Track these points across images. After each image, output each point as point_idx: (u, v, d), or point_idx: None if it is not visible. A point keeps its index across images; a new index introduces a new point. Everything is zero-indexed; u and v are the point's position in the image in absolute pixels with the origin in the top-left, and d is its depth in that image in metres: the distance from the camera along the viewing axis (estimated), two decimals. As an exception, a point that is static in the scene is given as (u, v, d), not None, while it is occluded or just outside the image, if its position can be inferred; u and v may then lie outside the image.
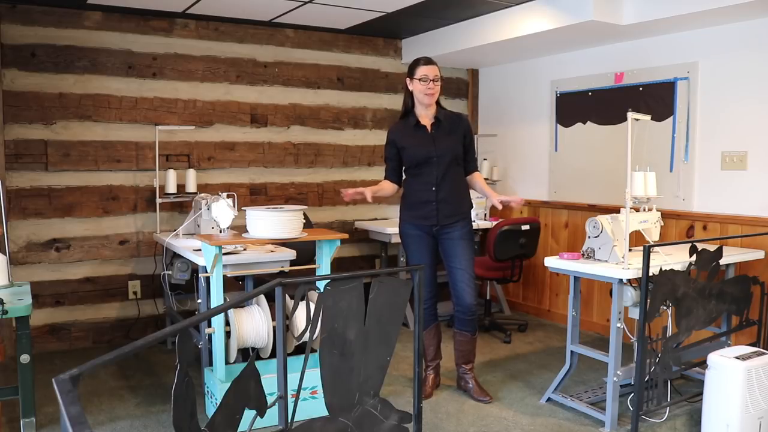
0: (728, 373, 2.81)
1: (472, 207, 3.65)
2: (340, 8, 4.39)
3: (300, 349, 3.52)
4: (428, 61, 3.48)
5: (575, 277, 3.33)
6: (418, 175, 3.51)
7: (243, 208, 3.34)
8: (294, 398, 2.15)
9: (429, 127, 3.50)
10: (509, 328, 4.86)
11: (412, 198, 3.54)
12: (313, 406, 2.95)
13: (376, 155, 5.47)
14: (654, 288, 2.94)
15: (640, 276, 2.93)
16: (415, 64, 3.49)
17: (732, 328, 3.58)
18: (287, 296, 3.42)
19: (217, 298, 3.17)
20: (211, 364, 3.39)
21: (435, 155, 3.45)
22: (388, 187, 3.58)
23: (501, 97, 5.68)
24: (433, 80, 3.44)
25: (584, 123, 4.91)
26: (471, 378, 3.62)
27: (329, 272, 3.36)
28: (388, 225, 5.01)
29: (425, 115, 3.52)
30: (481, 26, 4.65)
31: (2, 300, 2.80)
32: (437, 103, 3.56)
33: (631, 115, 3.03)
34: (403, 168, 3.59)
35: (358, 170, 5.41)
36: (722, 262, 3.27)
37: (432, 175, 3.46)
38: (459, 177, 3.55)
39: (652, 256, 2.93)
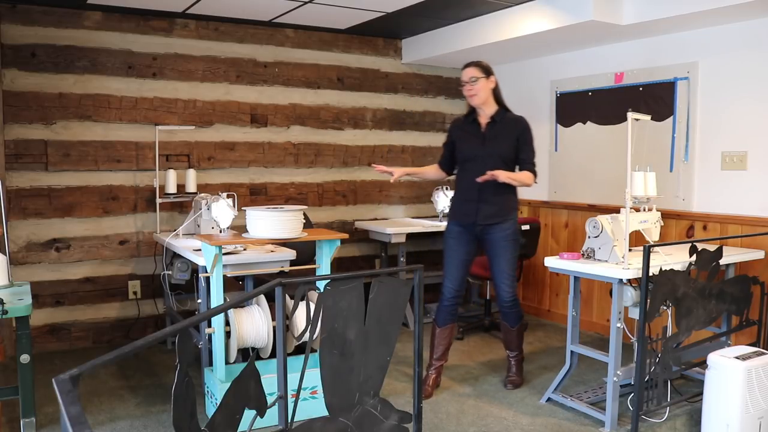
0: (728, 373, 2.81)
1: (516, 209, 3.65)
2: (340, 8, 4.39)
3: (300, 349, 3.53)
4: (466, 65, 3.55)
5: (575, 277, 3.33)
6: (464, 172, 3.60)
7: (243, 208, 3.34)
8: (294, 398, 2.15)
9: (483, 127, 3.55)
10: (509, 328, 4.85)
11: (457, 195, 3.68)
12: (313, 406, 2.95)
13: (376, 155, 5.47)
14: (654, 288, 2.94)
15: (640, 276, 2.93)
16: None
17: (732, 328, 3.58)
18: (287, 296, 3.42)
19: (217, 298, 3.16)
20: (211, 364, 3.39)
21: (481, 154, 3.51)
22: (432, 170, 3.82)
23: (501, 97, 5.67)
24: (468, 82, 3.49)
25: (584, 123, 4.91)
26: (513, 363, 3.77)
27: (329, 272, 3.36)
28: (388, 225, 5.02)
29: (483, 115, 3.57)
30: (481, 26, 4.65)
31: (2, 300, 2.80)
32: (500, 104, 3.58)
33: (631, 115, 3.02)
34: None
35: (358, 170, 5.41)
36: (722, 262, 3.27)
37: (476, 174, 3.47)
38: None
39: (652, 256, 2.93)
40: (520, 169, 3.57)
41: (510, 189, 3.55)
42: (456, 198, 3.68)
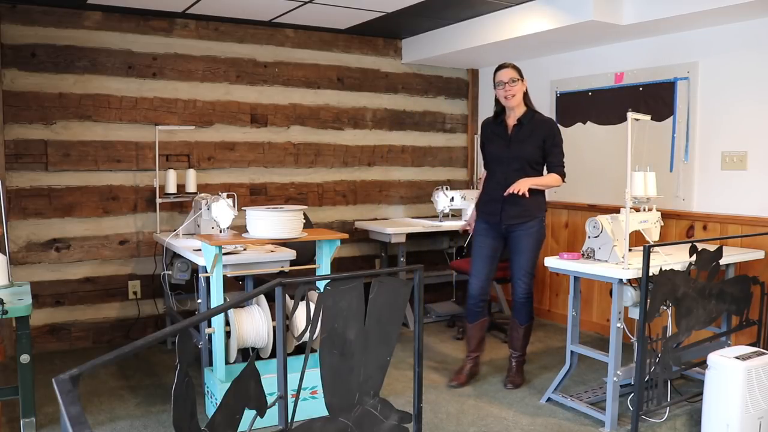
0: (728, 373, 2.81)
1: (544, 210, 3.68)
2: (340, 8, 4.39)
3: (300, 349, 3.53)
4: (501, 66, 3.59)
5: (575, 277, 3.33)
6: (491, 173, 3.71)
7: (243, 208, 3.34)
8: (294, 398, 2.15)
9: (510, 129, 3.60)
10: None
11: (483, 195, 3.75)
12: (313, 406, 2.95)
13: (376, 155, 5.47)
14: (654, 288, 2.94)
15: (640, 276, 2.93)
16: (494, 72, 3.61)
17: (732, 328, 3.58)
18: (287, 296, 3.42)
19: (217, 298, 3.16)
20: (211, 364, 3.39)
21: (506, 156, 3.59)
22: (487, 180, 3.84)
23: (501, 97, 5.67)
24: (507, 83, 3.52)
25: (584, 123, 4.91)
26: (514, 364, 3.78)
27: (329, 272, 3.36)
28: (388, 225, 5.02)
29: (511, 116, 3.63)
30: (481, 26, 4.65)
31: (2, 300, 2.80)
32: (528, 106, 3.61)
33: (631, 115, 3.02)
34: None
35: (358, 170, 5.41)
36: (722, 262, 3.27)
37: (502, 176, 3.59)
38: None
39: (652, 256, 2.93)
40: (549, 171, 3.61)
41: (536, 190, 3.57)
42: (482, 196, 3.76)
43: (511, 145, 3.59)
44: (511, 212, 3.58)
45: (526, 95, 3.61)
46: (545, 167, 3.64)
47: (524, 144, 3.56)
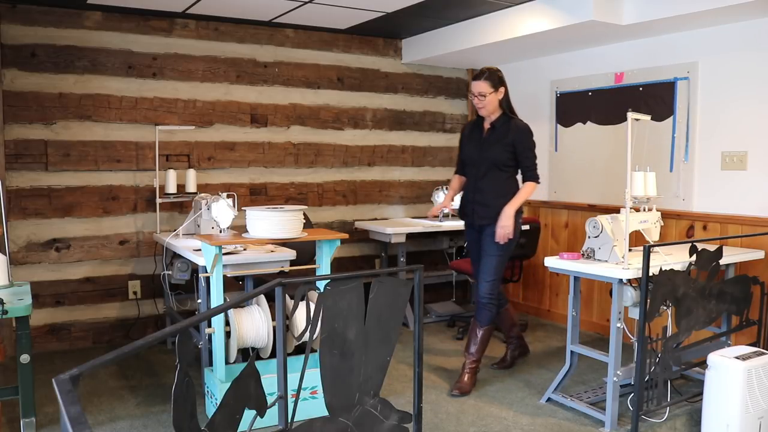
0: (728, 373, 2.81)
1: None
2: (340, 8, 4.40)
3: (300, 349, 3.53)
4: (475, 77, 3.61)
5: (575, 277, 3.33)
6: (467, 175, 3.79)
7: (243, 208, 3.34)
8: (294, 398, 2.15)
9: (485, 132, 3.67)
10: (509, 328, 4.85)
11: (463, 196, 3.83)
12: (313, 406, 2.95)
13: (376, 155, 5.47)
14: (654, 288, 2.94)
15: (640, 276, 2.93)
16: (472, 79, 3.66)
17: (732, 328, 3.58)
18: (287, 296, 3.42)
19: (217, 298, 3.17)
20: (211, 364, 3.39)
21: (477, 159, 3.67)
22: (458, 183, 3.90)
23: (501, 97, 5.67)
24: (476, 96, 3.57)
25: (584, 123, 4.91)
26: (467, 369, 3.68)
27: (329, 272, 3.36)
28: (388, 225, 5.01)
29: (487, 121, 3.69)
30: (481, 26, 4.65)
31: (2, 300, 2.80)
32: (504, 110, 3.64)
33: (631, 115, 3.03)
34: None
35: (358, 170, 5.41)
36: (722, 262, 3.27)
37: (474, 177, 3.70)
38: (500, 182, 3.63)
39: (652, 256, 2.93)
40: (522, 177, 3.63)
41: (507, 193, 3.59)
42: (462, 199, 3.83)
43: (483, 147, 3.64)
44: (481, 213, 3.64)
45: (505, 100, 3.62)
46: (520, 172, 3.66)
47: (494, 147, 3.60)
